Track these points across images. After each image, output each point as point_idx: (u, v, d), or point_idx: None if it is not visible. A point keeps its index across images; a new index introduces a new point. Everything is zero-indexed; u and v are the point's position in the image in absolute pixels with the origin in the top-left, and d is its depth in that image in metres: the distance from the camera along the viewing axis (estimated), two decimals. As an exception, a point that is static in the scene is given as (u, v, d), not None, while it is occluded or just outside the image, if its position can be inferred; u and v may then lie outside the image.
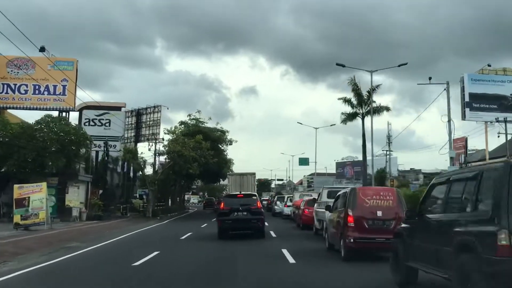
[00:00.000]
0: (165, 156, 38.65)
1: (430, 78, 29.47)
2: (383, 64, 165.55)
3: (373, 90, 36.11)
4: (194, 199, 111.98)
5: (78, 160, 32.96)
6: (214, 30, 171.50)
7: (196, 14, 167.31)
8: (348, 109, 38.94)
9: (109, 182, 50.43)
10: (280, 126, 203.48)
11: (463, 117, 48.21)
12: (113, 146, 47.90)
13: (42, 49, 31.49)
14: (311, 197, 24.37)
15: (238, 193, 21.28)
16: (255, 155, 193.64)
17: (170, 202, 53.59)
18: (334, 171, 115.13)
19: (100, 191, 38.06)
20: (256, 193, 24.44)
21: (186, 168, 36.46)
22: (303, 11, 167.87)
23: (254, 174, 34.25)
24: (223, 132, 45.01)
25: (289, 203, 32.90)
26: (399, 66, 35.37)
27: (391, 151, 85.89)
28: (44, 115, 32.21)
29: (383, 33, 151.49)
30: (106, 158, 40.63)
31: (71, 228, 25.04)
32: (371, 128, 35.51)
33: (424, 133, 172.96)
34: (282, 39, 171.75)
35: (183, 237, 19.65)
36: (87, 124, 46.73)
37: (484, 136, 42.39)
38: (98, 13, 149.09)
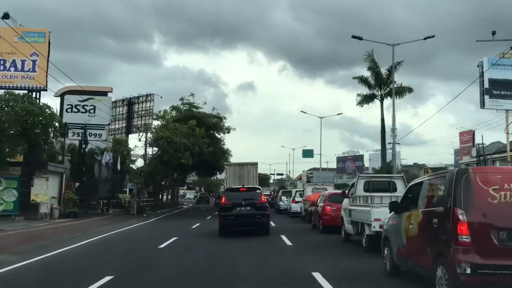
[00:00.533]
0: (153, 144, 32.80)
1: (493, 33, 23.73)
2: (382, 60, 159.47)
3: (395, 66, 30.36)
4: (190, 194, 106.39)
5: (47, 146, 27.09)
6: (212, 25, 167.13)
7: (194, 9, 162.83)
8: (364, 90, 33.23)
9: (96, 174, 44.83)
10: (278, 121, 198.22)
11: (482, 105, 42.79)
12: (99, 135, 42.16)
13: (5, 16, 25.81)
14: (335, 191, 18.73)
15: (241, 186, 19.23)
16: (252, 150, 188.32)
17: (163, 197, 47.75)
18: (334, 166, 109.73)
19: (77, 184, 32.27)
20: (259, 187, 20.77)
21: (176, 157, 30.66)
22: (302, 7, 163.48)
23: (256, 164, 28.49)
24: (220, 118, 39.02)
25: (298, 199, 27.23)
26: (425, 39, 29.94)
27: (398, 143, 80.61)
28: (4, 92, 26.36)
29: (382, 30, 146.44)
30: (84, 147, 34.70)
31: (25, 230, 19.28)
32: (393, 111, 29.77)
33: (422, 128, 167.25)
34: (280, 35, 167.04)
35: (162, 245, 13.89)
36: (69, 110, 40.83)
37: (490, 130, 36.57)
38: (96, 8, 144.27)
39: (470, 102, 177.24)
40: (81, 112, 42.48)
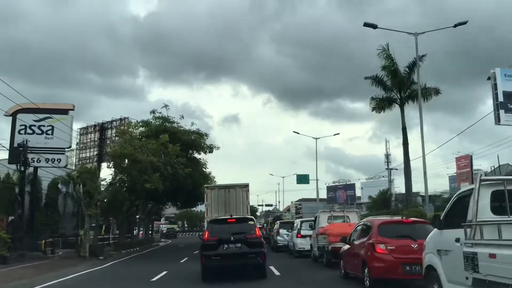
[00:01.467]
0: (110, 164, 25.08)
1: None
2: (365, 91, 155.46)
3: (419, 59, 23.59)
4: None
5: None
6: (196, 59, 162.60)
7: (178, 44, 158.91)
8: (378, 92, 26.26)
9: (61, 208, 36.96)
10: (263, 153, 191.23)
11: (497, 121, 36.36)
12: (57, 160, 34.31)
13: None
14: (388, 218, 11.38)
15: (229, 216, 15.39)
16: (238, 180, 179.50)
17: (132, 233, 39.49)
18: (324, 196, 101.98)
19: (10, 219, 24.32)
20: (252, 217, 16.39)
21: (141, 181, 22.99)
22: (284, 40, 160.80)
23: (246, 186, 20.97)
24: (201, 135, 31.46)
25: (305, 232, 19.62)
26: (455, 26, 23.57)
27: (396, 169, 73.27)
28: None
29: (364, 62, 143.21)
30: (22, 169, 26.84)
31: None
32: (420, 118, 22.73)
33: (400, 157, 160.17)
34: (264, 68, 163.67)
35: None
36: (22, 132, 33.13)
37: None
38: (80, 44, 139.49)
39: (452, 131, 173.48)
40: (37, 133, 34.63)
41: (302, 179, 46.99)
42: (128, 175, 22.88)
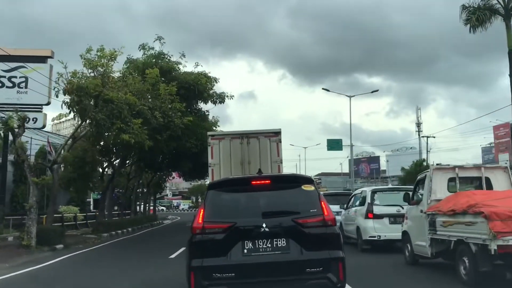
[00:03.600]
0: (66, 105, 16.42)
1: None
2: (382, 66, 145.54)
3: None
4: (184, 205, 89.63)
5: None
6: (211, 35, 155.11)
7: (193, 20, 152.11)
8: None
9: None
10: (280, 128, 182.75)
11: None
12: (33, 120, 26.09)
13: None
14: None
15: (256, 175, 5.75)
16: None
17: (144, 209, 31.27)
18: (346, 170, 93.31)
19: None
20: (309, 176, 6.10)
21: (114, 130, 14.59)
22: (300, 15, 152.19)
23: (277, 134, 12.34)
24: (209, 78, 22.65)
25: (381, 209, 11.03)
26: None
27: (433, 136, 64.22)
28: None
29: (380, 34, 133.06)
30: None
31: None
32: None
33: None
34: (279, 43, 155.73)
35: None
36: (-12, 84, 25.08)
37: None
38: (95, 20, 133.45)
39: (470, 105, 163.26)
40: (7, 86, 26.02)
41: (335, 145, 37.96)
42: (93, 120, 14.37)
